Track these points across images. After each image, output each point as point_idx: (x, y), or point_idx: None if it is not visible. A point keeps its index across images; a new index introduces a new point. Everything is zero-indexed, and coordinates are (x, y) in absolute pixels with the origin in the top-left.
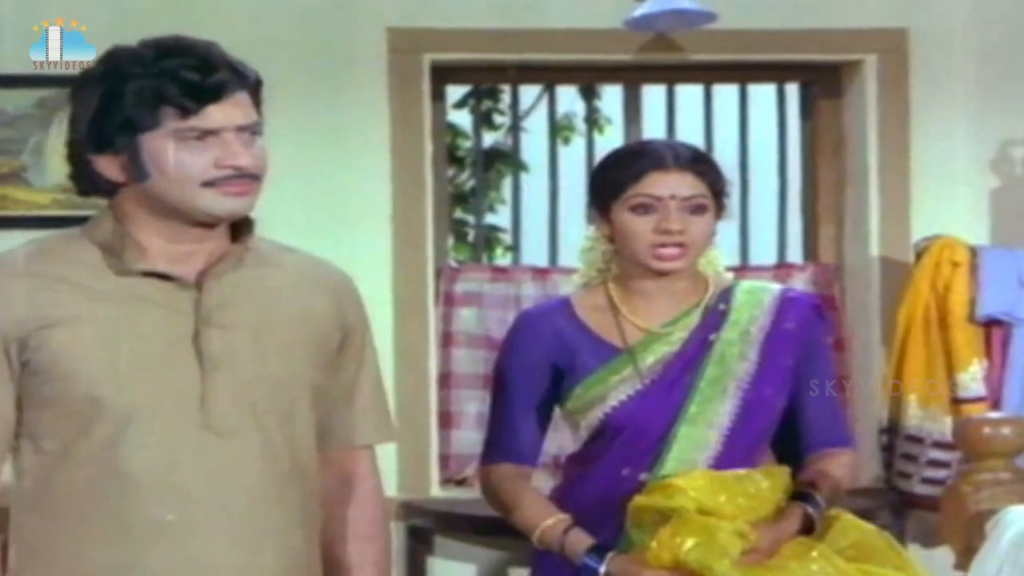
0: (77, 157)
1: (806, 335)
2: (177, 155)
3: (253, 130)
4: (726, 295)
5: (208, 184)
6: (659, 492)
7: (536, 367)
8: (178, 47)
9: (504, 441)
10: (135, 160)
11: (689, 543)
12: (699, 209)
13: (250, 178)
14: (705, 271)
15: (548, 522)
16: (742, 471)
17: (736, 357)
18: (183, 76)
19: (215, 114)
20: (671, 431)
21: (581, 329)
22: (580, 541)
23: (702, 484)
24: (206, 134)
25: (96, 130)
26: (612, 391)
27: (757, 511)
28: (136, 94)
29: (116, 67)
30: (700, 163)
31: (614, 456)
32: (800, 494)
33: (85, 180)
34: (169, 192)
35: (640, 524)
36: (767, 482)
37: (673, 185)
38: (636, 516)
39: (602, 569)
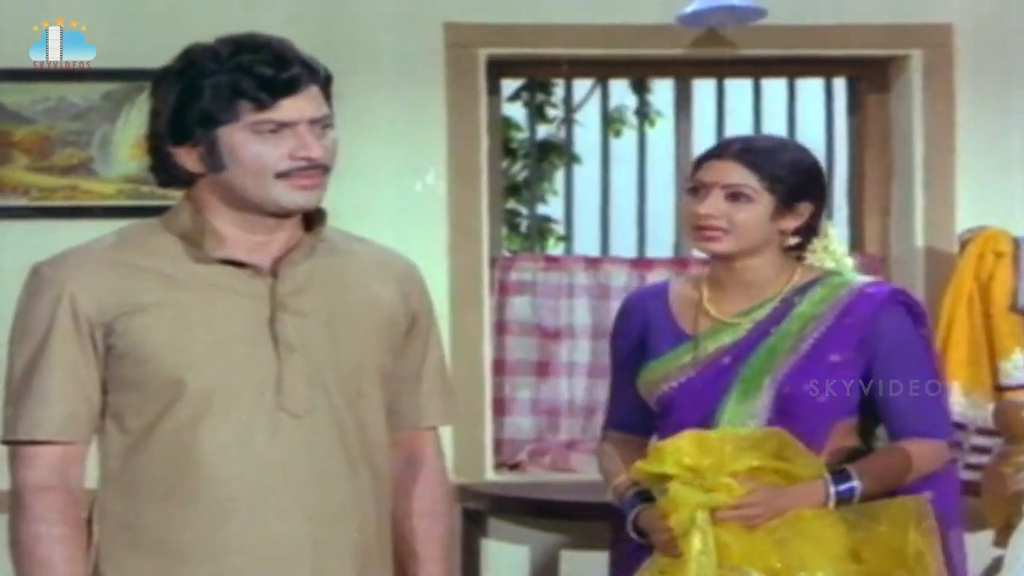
0: (157, 149)
1: (870, 330)
2: (253, 147)
3: (325, 123)
4: (807, 288)
5: (282, 175)
6: (652, 456)
7: (632, 345)
8: (253, 43)
9: (610, 411)
10: (213, 152)
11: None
12: (737, 197)
13: (321, 169)
14: (821, 263)
15: (619, 479)
16: (728, 428)
17: (785, 351)
18: (258, 71)
19: (289, 107)
20: (715, 418)
21: (665, 313)
22: (631, 495)
23: (684, 445)
24: (281, 126)
25: (175, 123)
26: (671, 375)
27: (733, 465)
28: (213, 89)
29: (193, 63)
30: (750, 154)
31: (669, 433)
32: (836, 470)
33: (165, 172)
34: (245, 183)
35: (649, 484)
36: (747, 438)
37: (716, 172)
38: (641, 479)
39: (630, 517)
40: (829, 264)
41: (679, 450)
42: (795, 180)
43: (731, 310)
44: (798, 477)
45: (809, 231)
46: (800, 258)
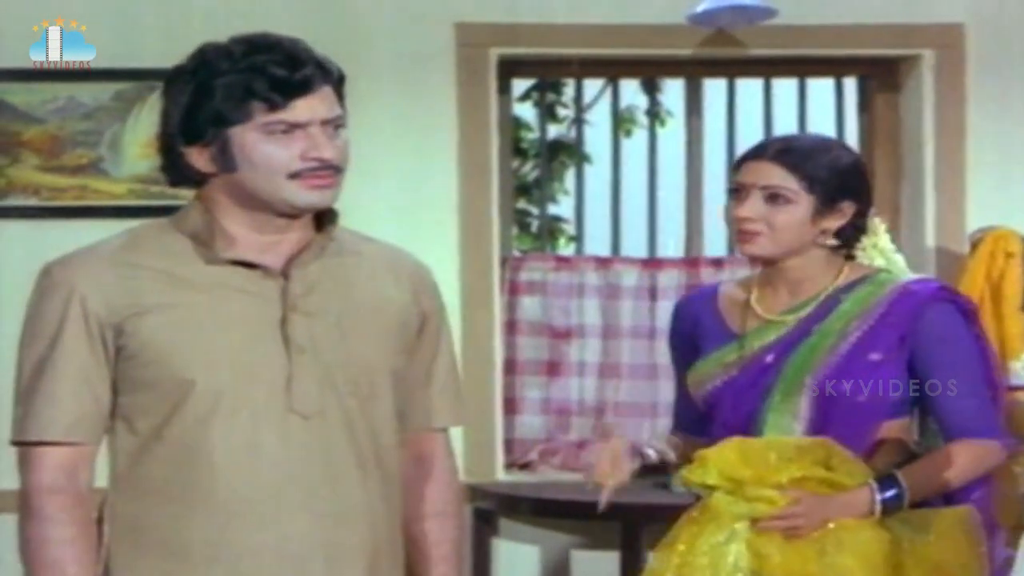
0: (168, 149)
1: (910, 327)
2: (265, 147)
3: (337, 123)
4: (854, 286)
5: (293, 176)
6: (697, 465)
7: (685, 349)
8: (266, 44)
9: (674, 415)
10: (224, 152)
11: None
12: (776, 198)
13: (333, 170)
14: (871, 260)
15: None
16: (774, 438)
17: (826, 349)
18: (271, 72)
19: (301, 108)
20: (759, 417)
21: (714, 314)
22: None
23: (728, 454)
24: (293, 127)
25: (187, 123)
26: (715, 374)
27: (776, 476)
28: (226, 89)
29: (206, 63)
30: (788, 154)
31: (717, 432)
32: (883, 476)
33: (176, 171)
34: (256, 183)
35: (694, 490)
36: (793, 447)
37: (755, 174)
38: (685, 484)
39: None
40: (879, 261)
41: (723, 459)
42: (835, 180)
43: (778, 309)
44: (844, 486)
45: (855, 230)
46: (850, 257)
